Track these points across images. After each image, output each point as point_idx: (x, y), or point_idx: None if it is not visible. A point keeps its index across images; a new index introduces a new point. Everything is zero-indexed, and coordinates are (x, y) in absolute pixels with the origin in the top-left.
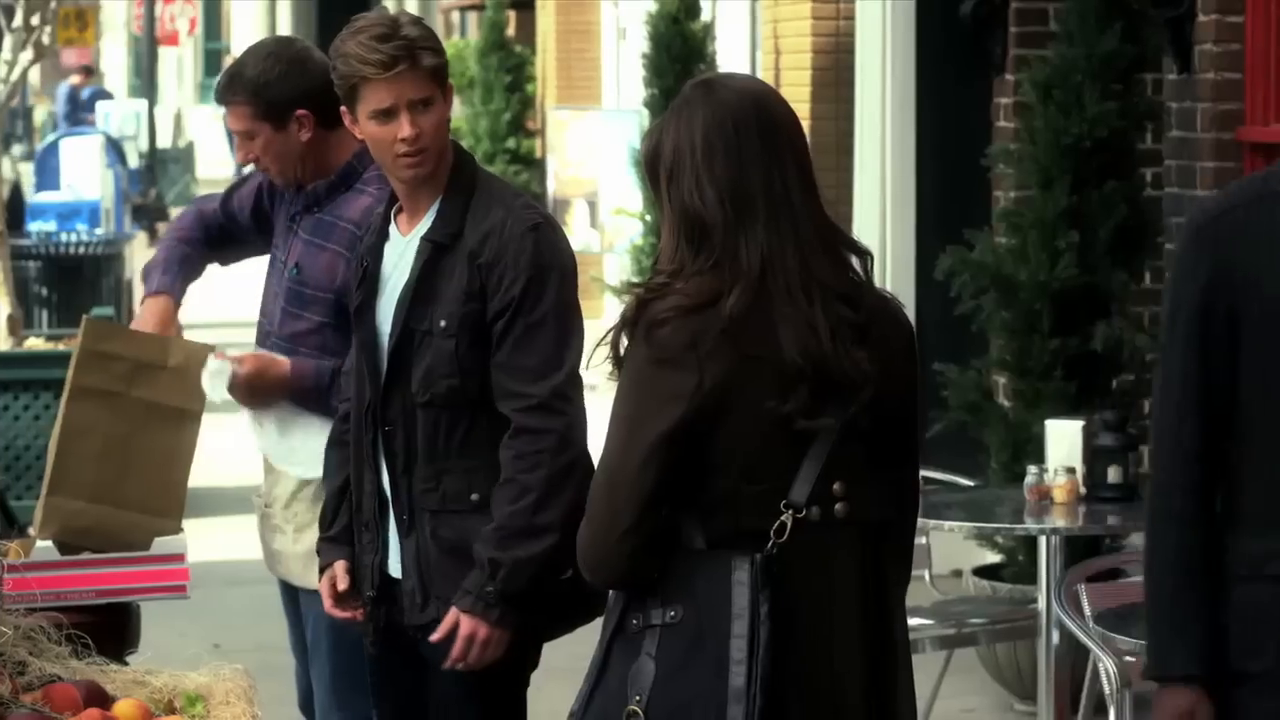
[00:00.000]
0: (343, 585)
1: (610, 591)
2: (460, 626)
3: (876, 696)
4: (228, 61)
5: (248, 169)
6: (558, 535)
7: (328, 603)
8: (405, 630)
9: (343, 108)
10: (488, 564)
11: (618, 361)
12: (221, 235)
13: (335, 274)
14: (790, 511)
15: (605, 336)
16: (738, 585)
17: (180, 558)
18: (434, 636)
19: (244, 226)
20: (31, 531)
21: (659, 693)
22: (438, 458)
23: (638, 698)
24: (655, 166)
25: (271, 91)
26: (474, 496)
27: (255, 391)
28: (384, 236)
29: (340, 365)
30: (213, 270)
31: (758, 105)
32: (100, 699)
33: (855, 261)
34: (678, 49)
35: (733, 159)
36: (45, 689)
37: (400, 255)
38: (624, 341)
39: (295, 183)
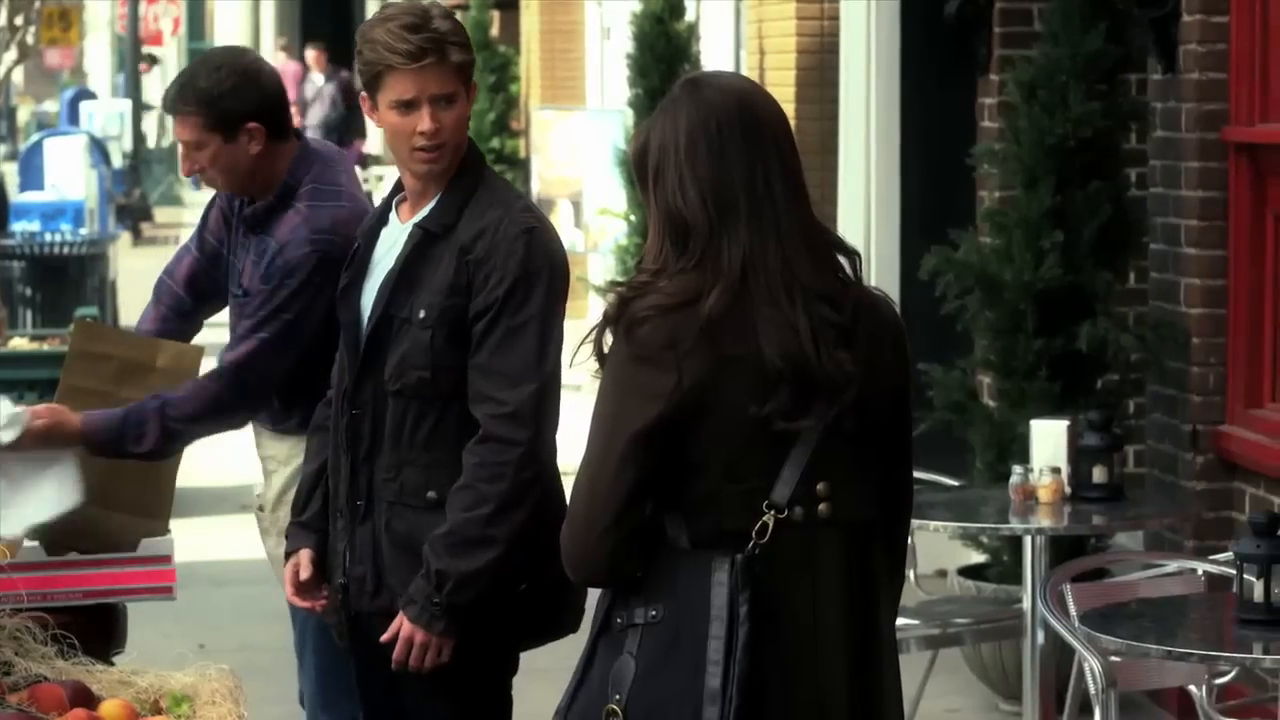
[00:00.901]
0: (305, 574)
1: (597, 590)
2: (403, 631)
3: (862, 697)
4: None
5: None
6: (503, 548)
7: (289, 590)
8: (370, 623)
9: (362, 94)
10: (435, 575)
11: (601, 359)
12: (201, 294)
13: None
14: (772, 512)
15: (589, 334)
16: (717, 585)
17: (167, 559)
18: (383, 638)
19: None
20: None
21: (638, 692)
22: (401, 447)
23: (617, 696)
24: (642, 165)
25: (224, 103)
26: (430, 494)
27: (46, 445)
28: (383, 221)
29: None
30: None
31: (742, 104)
32: (86, 699)
33: (844, 262)
34: (662, 49)
35: (715, 158)
36: (31, 689)
37: (394, 242)
38: (607, 339)
39: (244, 194)
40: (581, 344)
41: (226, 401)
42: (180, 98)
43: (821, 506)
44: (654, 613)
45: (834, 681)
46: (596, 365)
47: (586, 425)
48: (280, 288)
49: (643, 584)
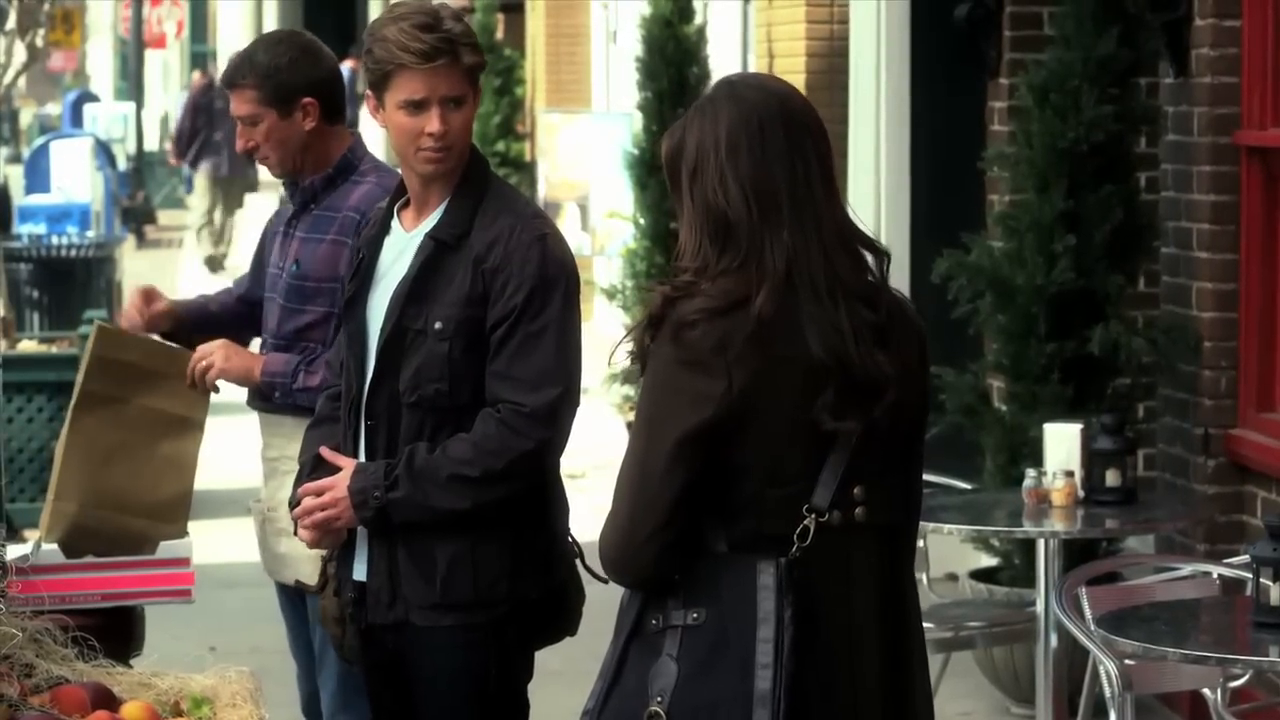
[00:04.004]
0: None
1: (625, 592)
2: (332, 490)
3: (896, 699)
4: (212, 65)
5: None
6: (464, 508)
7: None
8: (383, 634)
9: (368, 93)
10: (395, 480)
11: (642, 359)
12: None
13: (337, 262)
14: (813, 515)
15: (628, 334)
16: (763, 589)
17: (185, 561)
18: (305, 486)
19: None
20: (30, 535)
21: (682, 694)
22: None
23: (659, 698)
24: (677, 164)
25: (281, 77)
26: None
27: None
28: (385, 230)
29: None
30: (208, 277)
31: (782, 103)
32: (108, 701)
33: (872, 261)
34: (671, 52)
35: (757, 156)
36: (53, 691)
37: (401, 251)
38: (647, 339)
39: (292, 174)
40: (621, 342)
41: None
42: (239, 71)
43: (858, 510)
44: (695, 615)
45: (868, 683)
46: (637, 366)
47: (590, 427)
48: None
49: (680, 586)
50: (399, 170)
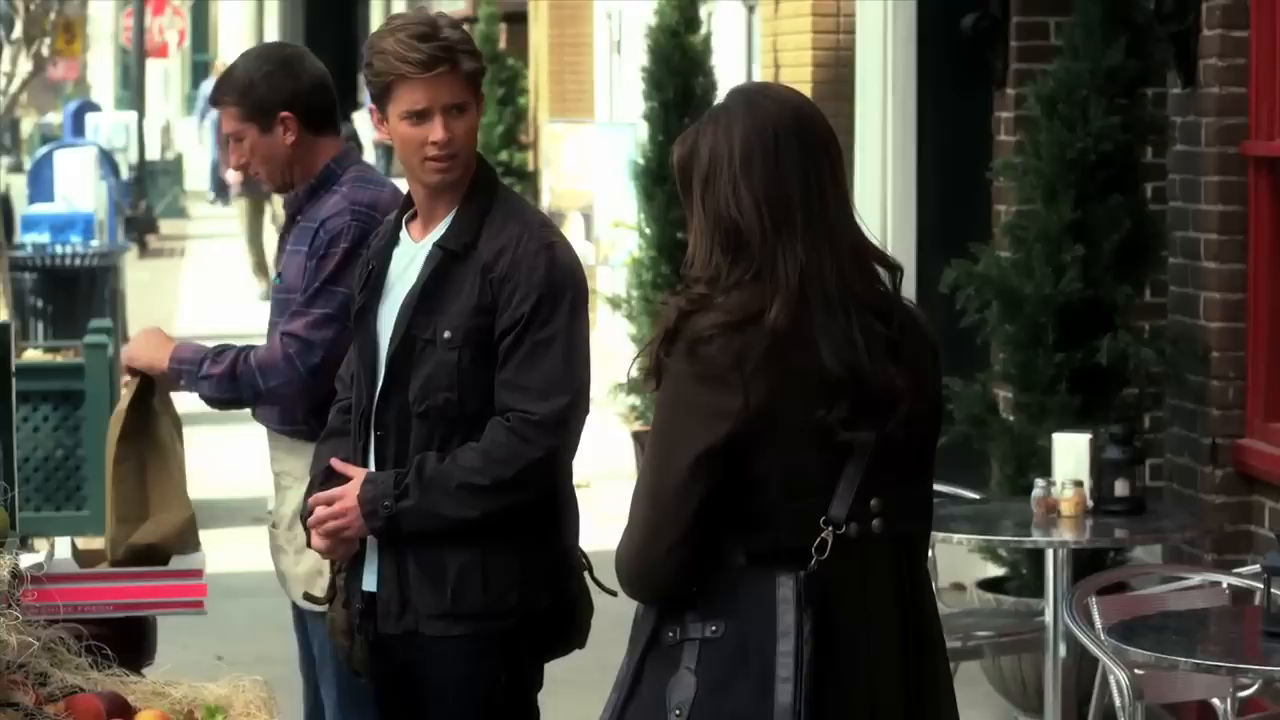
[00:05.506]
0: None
1: (639, 605)
2: (342, 499)
3: (919, 709)
4: (212, 73)
5: None
6: (473, 517)
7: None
8: (392, 645)
9: (371, 106)
10: (405, 489)
11: (657, 374)
12: None
13: (303, 273)
14: (830, 528)
15: (645, 348)
16: (783, 603)
17: (198, 573)
18: (317, 495)
19: None
20: (39, 544)
21: (700, 707)
22: None
23: (677, 711)
24: (689, 171)
25: (257, 92)
26: None
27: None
28: (394, 241)
29: None
30: (203, 285)
31: (797, 114)
32: (122, 710)
33: (884, 274)
34: (677, 62)
35: (770, 167)
36: (68, 700)
37: (410, 261)
38: (662, 354)
39: (285, 187)
40: (639, 356)
41: (284, 365)
42: (219, 88)
43: (875, 522)
44: (714, 628)
45: (890, 695)
46: (648, 378)
47: (596, 437)
48: (327, 258)
49: (697, 599)
50: (383, 179)
